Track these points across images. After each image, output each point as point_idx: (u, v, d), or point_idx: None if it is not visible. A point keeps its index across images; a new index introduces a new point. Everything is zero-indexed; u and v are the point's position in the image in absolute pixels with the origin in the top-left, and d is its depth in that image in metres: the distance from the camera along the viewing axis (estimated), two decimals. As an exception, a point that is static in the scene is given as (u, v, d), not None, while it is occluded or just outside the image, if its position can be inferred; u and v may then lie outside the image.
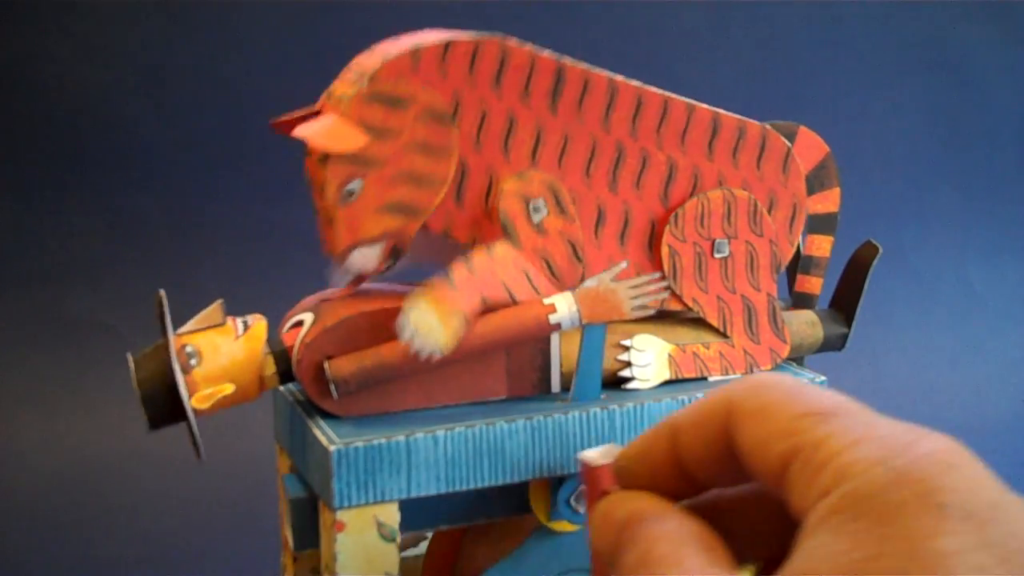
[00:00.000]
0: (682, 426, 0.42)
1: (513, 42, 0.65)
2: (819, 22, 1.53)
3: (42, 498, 1.19)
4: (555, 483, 0.67)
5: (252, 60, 1.36)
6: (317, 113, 0.63)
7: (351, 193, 0.61)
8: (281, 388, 0.71)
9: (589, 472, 0.46)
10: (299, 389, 0.70)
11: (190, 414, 0.62)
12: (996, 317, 1.54)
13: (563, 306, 0.64)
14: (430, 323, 0.61)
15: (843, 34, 1.54)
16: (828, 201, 0.77)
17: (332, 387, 0.62)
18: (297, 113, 0.64)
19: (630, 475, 0.44)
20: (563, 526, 0.69)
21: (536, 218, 0.66)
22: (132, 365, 0.62)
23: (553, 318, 0.64)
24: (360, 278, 0.66)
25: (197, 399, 0.62)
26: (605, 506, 0.44)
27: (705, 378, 0.71)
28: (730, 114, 0.71)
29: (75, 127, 1.35)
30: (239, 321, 0.65)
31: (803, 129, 0.75)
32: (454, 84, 0.64)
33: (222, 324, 0.64)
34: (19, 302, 1.33)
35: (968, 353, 1.49)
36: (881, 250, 0.75)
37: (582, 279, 0.67)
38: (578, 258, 0.67)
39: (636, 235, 0.70)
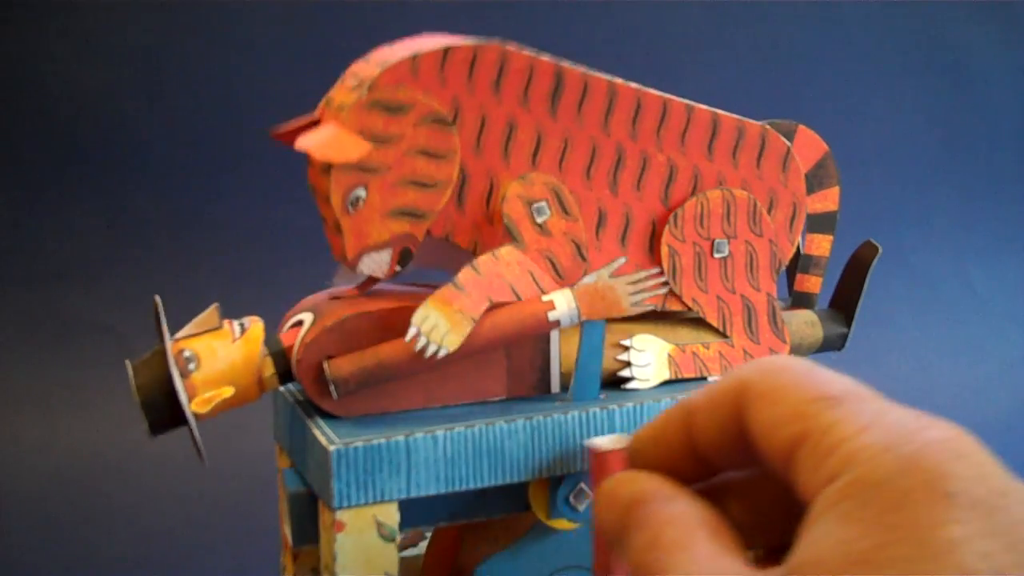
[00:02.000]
0: (696, 408, 0.42)
1: (512, 47, 0.65)
2: (819, 22, 1.53)
3: (42, 498, 1.19)
4: (554, 481, 0.67)
5: (252, 60, 1.36)
6: (316, 122, 0.63)
7: (357, 200, 0.61)
8: (281, 388, 0.71)
9: (597, 459, 0.46)
10: (299, 389, 0.70)
11: (190, 419, 0.62)
12: (996, 317, 1.54)
13: (562, 303, 0.64)
14: (437, 324, 0.61)
15: (843, 34, 1.54)
16: (827, 200, 0.77)
17: (332, 387, 0.62)
18: (295, 123, 0.64)
19: (644, 458, 0.44)
20: (562, 524, 0.69)
21: (539, 219, 0.66)
22: (131, 372, 0.62)
23: (552, 315, 0.64)
24: (372, 280, 0.66)
25: (197, 403, 0.62)
26: (611, 484, 0.43)
27: (705, 378, 0.71)
28: (729, 114, 0.71)
29: (75, 127, 1.35)
30: (236, 324, 0.65)
31: (802, 128, 0.75)
32: (453, 90, 0.64)
33: (219, 327, 0.64)
34: (19, 302, 1.33)
35: (968, 353, 1.49)
36: (881, 250, 0.75)
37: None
38: (583, 257, 0.67)
39: (637, 236, 0.70)
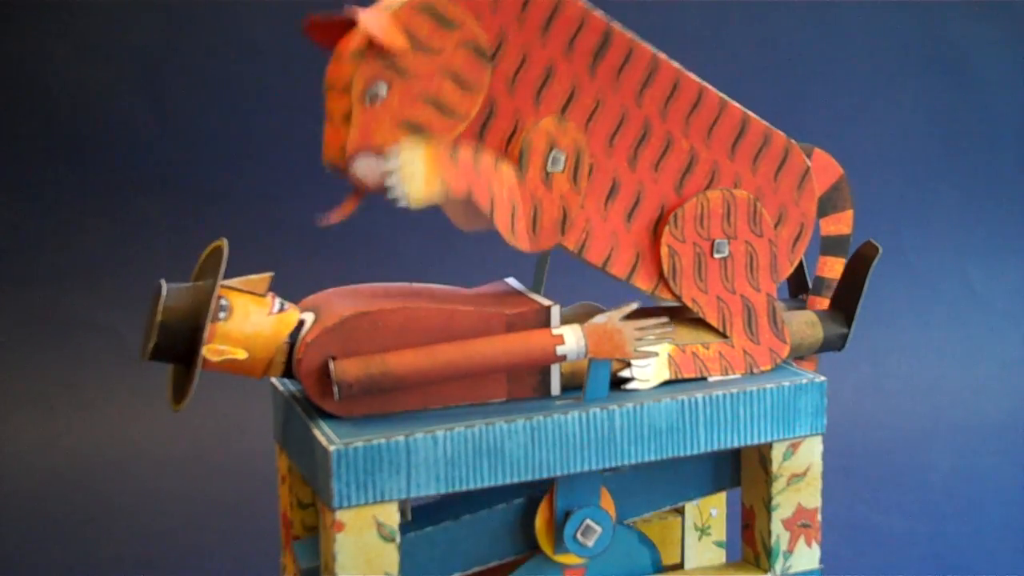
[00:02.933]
0: None
1: None
2: (819, 22, 1.53)
3: (42, 498, 1.19)
4: (562, 517, 0.68)
5: (252, 60, 1.36)
6: (353, 24, 0.62)
7: (376, 96, 0.61)
8: (280, 388, 0.71)
9: None
10: (299, 388, 0.70)
11: (199, 360, 0.61)
12: (996, 317, 1.53)
13: (571, 339, 0.65)
14: (416, 171, 0.61)
15: (843, 34, 1.53)
16: (841, 223, 0.77)
17: (336, 389, 0.62)
18: (331, 17, 0.63)
19: None
20: (569, 559, 0.70)
21: (551, 168, 0.66)
22: (164, 290, 0.62)
23: (560, 349, 0.65)
24: (356, 194, 0.64)
25: (209, 350, 0.62)
26: None
27: (705, 378, 0.71)
28: (759, 119, 0.71)
29: (75, 127, 1.35)
30: (278, 300, 0.65)
31: (818, 151, 0.75)
32: (502, 20, 0.63)
33: (263, 295, 0.65)
34: (19, 302, 1.33)
35: (968, 353, 1.49)
36: (881, 250, 0.75)
37: (586, 236, 0.67)
38: (562, 228, 0.67)
39: (643, 216, 0.70)
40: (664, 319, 0.68)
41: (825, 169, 0.75)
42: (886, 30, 1.55)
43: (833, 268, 0.77)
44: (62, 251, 1.34)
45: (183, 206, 1.35)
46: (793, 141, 0.72)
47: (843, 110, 1.52)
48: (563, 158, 0.66)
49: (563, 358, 0.65)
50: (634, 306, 0.68)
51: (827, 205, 0.76)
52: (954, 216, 1.57)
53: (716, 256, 0.71)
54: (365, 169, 0.62)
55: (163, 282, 0.62)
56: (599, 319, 0.66)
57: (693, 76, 0.69)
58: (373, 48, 0.60)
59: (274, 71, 1.35)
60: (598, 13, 0.66)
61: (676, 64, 0.68)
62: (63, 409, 1.28)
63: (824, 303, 0.77)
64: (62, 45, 1.34)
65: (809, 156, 0.74)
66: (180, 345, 0.62)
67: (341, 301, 0.66)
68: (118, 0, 1.34)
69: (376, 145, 0.61)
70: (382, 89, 0.61)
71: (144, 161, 1.35)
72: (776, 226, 0.72)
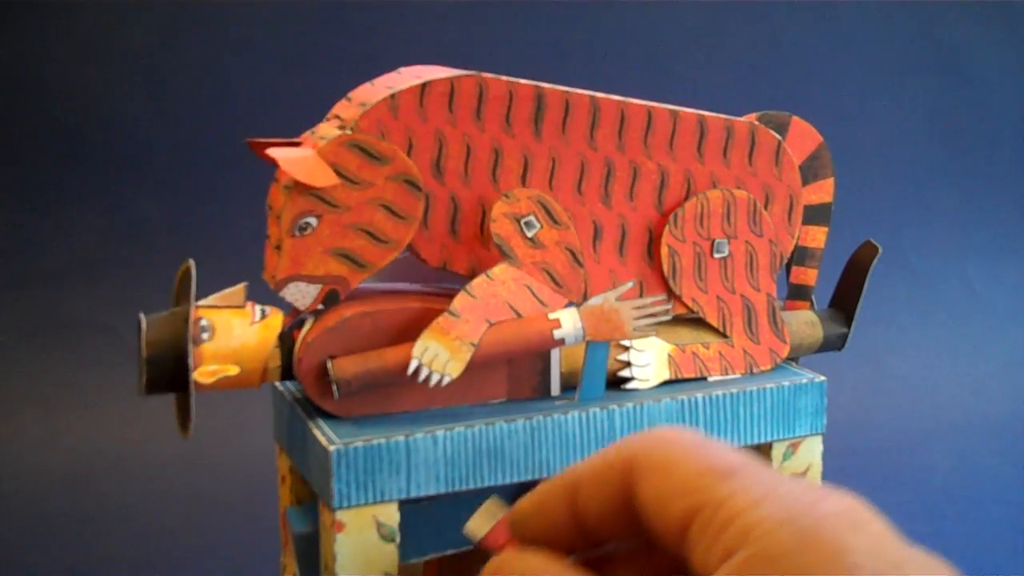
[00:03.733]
0: (580, 479, 0.41)
1: (489, 75, 0.65)
2: (819, 21, 1.53)
3: (42, 497, 1.19)
4: None
5: (252, 60, 1.36)
6: (298, 144, 0.63)
7: (306, 227, 0.61)
8: (280, 387, 0.71)
9: (483, 541, 0.45)
10: (299, 388, 0.70)
11: (191, 386, 0.62)
12: (996, 317, 1.54)
13: (568, 322, 0.65)
14: (437, 354, 0.62)
15: (843, 34, 1.54)
16: (822, 191, 0.77)
17: (334, 387, 0.62)
18: (276, 140, 0.64)
19: (525, 530, 0.43)
20: None
21: (530, 233, 0.66)
22: (144, 325, 0.62)
23: (557, 333, 0.65)
24: (295, 311, 0.65)
25: (200, 373, 0.62)
26: (497, 563, 0.42)
27: (704, 378, 0.72)
28: (716, 115, 0.71)
29: (75, 127, 1.35)
30: (258, 308, 0.65)
31: (796, 119, 0.75)
32: (435, 123, 0.64)
33: (241, 307, 0.65)
34: (19, 302, 1.33)
35: (968, 353, 1.49)
36: (881, 250, 0.75)
37: (585, 284, 0.68)
38: (579, 263, 0.68)
39: (634, 246, 0.70)
40: (661, 296, 0.69)
41: (804, 137, 0.75)
42: (886, 30, 1.55)
43: (816, 237, 0.77)
44: (62, 251, 1.34)
45: (183, 206, 1.35)
46: (757, 122, 0.72)
47: (843, 110, 1.52)
48: (533, 217, 0.66)
49: (561, 342, 0.65)
50: (629, 285, 0.68)
51: (807, 173, 0.76)
52: (954, 216, 1.57)
53: (716, 256, 0.71)
54: (296, 294, 0.63)
55: (142, 316, 0.63)
56: (595, 301, 0.66)
57: (637, 101, 0.69)
58: (301, 184, 0.60)
59: (274, 71, 1.35)
60: (523, 81, 0.66)
61: (616, 97, 0.68)
62: (63, 409, 1.29)
63: (807, 273, 0.77)
64: (62, 45, 1.34)
65: (787, 125, 0.74)
66: (171, 375, 0.62)
67: (341, 301, 0.66)
68: (118, 0, 1.35)
69: (305, 275, 0.62)
70: (313, 221, 0.61)
71: (144, 161, 1.35)
72: (767, 207, 0.72)
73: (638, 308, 0.67)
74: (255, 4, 1.36)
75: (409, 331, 0.64)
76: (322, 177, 0.61)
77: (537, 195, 0.67)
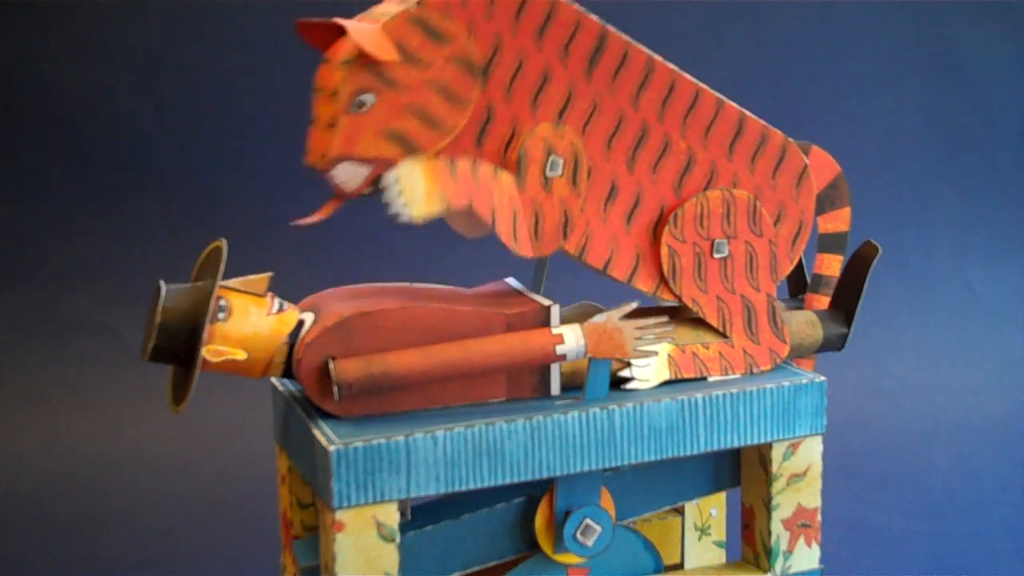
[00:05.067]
0: None
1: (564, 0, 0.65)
2: (819, 22, 1.53)
3: (42, 498, 1.19)
4: (561, 517, 0.68)
5: (252, 60, 1.36)
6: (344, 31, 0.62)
7: (362, 104, 0.61)
8: (280, 388, 0.71)
9: None
10: (299, 388, 0.70)
11: (198, 361, 0.61)
12: (996, 317, 1.53)
13: (571, 338, 0.65)
14: (416, 187, 0.61)
15: (843, 34, 1.53)
16: (839, 220, 0.77)
17: (336, 389, 0.62)
18: (325, 20, 0.62)
19: None
20: (568, 558, 0.70)
21: (550, 173, 0.66)
22: (163, 291, 0.62)
23: (560, 349, 0.65)
24: (336, 198, 0.64)
25: (209, 351, 0.62)
26: None
27: (704, 378, 0.71)
28: (756, 118, 0.71)
29: (75, 127, 1.35)
30: (277, 300, 0.65)
31: (815, 148, 0.75)
32: (497, 27, 0.63)
33: (262, 295, 0.65)
34: (19, 302, 1.33)
35: (968, 353, 1.49)
36: (881, 250, 0.75)
37: (586, 240, 0.67)
38: (564, 232, 0.67)
39: (643, 218, 0.70)
40: (663, 318, 0.69)
41: (823, 166, 0.75)
42: (886, 30, 1.55)
43: (831, 266, 0.77)
44: (62, 251, 1.34)
45: (183, 206, 1.35)
46: (791, 139, 0.72)
47: (843, 110, 1.52)
48: (561, 163, 0.66)
49: (563, 357, 0.65)
50: (633, 305, 0.68)
51: (825, 202, 0.76)
52: (954, 216, 1.57)
53: (716, 256, 0.71)
54: (345, 175, 0.62)
55: (162, 283, 0.62)
56: (598, 319, 0.66)
57: (689, 77, 0.69)
58: (363, 58, 0.59)
59: (274, 71, 1.35)
60: (593, 17, 0.66)
61: (672, 66, 0.68)
62: (63, 409, 1.28)
63: (822, 301, 0.77)
64: (62, 45, 1.34)
65: (807, 154, 0.74)
66: (179, 346, 0.62)
67: (341, 301, 0.66)
68: (118, 0, 1.34)
69: (359, 154, 0.61)
70: (369, 99, 0.61)
71: (144, 161, 1.35)
72: (775, 224, 0.72)
73: (640, 328, 0.67)
74: (255, 4, 1.36)
75: (408, 331, 0.64)
76: (387, 51, 0.60)
77: (578, 146, 0.66)
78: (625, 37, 0.66)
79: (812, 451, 0.72)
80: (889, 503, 1.18)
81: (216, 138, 1.35)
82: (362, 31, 0.59)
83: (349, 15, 0.62)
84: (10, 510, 1.16)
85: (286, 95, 1.34)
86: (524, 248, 0.65)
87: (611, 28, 0.66)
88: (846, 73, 1.54)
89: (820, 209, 0.75)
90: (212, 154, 1.35)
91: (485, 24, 0.63)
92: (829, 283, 0.77)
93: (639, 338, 0.66)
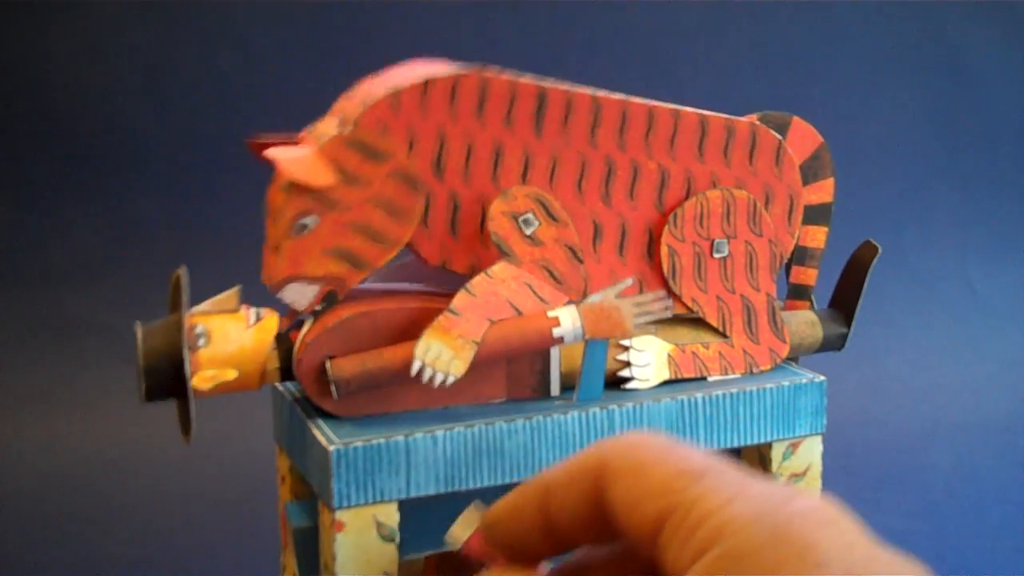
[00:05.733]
0: (553, 484, 0.41)
1: (492, 72, 0.65)
2: (819, 22, 1.53)
3: (42, 497, 1.19)
4: None
5: (252, 60, 1.36)
6: (296, 143, 0.63)
7: (304, 227, 0.61)
8: (280, 388, 0.71)
9: (462, 549, 0.45)
10: (298, 388, 0.70)
11: (190, 392, 0.62)
12: (996, 317, 1.54)
13: (567, 320, 0.65)
14: (440, 354, 0.62)
15: (843, 34, 1.54)
16: (822, 191, 0.77)
17: (333, 387, 0.62)
18: (275, 137, 0.64)
19: (498, 535, 0.44)
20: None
21: (528, 231, 0.66)
22: (139, 335, 0.62)
23: (557, 331, 0.65)
24: (292, 312, 0.65)
25: (199, 379, 0.62)
26: None
27: (704, 378, 0.72)
28: (718, 115, 0.71)
29: (75, 127, 1.35)
30: (252, 311, 0.65)
31: (796, 120, 0.75)
32: (436, 120, 0.64)
33: (235, 311, 0.65)
34: (19, 302, 1.33)
35: (968, 353, 1.49)
36: (881, 250, 0.75)
37: (585, 282, 0.68)
38: (578, 259, 0.67)
39: (635, 245, 0.70)
40: (661, 292, 0.69)
41: (804, 138, 0.75)
42: (886, 30, 1.55)
43: (816, 237, 0.77)
44: (62, 251, 1.34)
45: (183, 206, 1.35)
46: (758, 122, 0.72)
47: (843, 110, 1.52)
48: (531, 215, 0.66)
49: (560, 340, 0.65)
50: (629, 282, 0.68)
51: (808, 174, 0.76)
52: (954, 216, 1.57)
53: (716, 256, 0.71)
54: (294, 295, 0.63)
55: (138, 325, 0.62)
56: (594, 298, 0.66)
57: (639, 100, 0.69)
58: (300, 183, 0.60)
59: (274, 71, 1.35)
60: (526, 79, 0.66)
61: (619, 96, 0.68)
62: (63, 409, 1.29)
63: (807, 272, 0.77)
64: (62, 45, 1.34)
65: (788, 126, 0.74)
66: (170, 382, 0.62)
67: (340, 301, 0.66)
68: (118, 0, 1.35)
69: (304, 275, 0.62)
70: (311, 221, 0.61)
71: (144, 161, 1.35)
72: (767, 207, 0.72)
73: (638, 305, 0.66)
74: (255, 4, 1.36)
75: (408, 331, 0.64)
76: (321, 176, 0.60)
77: (535, 192, 0.66)
78: (563, 86, 0.67)
79: (812, 451, 0.72)
80: (889, 503, 1.18)
81: (215, 138, 1.35)
82: (295, 162, 0.60)
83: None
84: (10, 510, 1.16)
85: (286, 95, 1.35)
86: (559, 301, 0.66)
87: (547, 83, 0.66)
88: (846, 73, 1.54)
89: (803, 180, 0.75)
90: (211, 154, 1.35)
91: (423, 123, 0.63)
92: (814, 254, 0.77)
93: (638, 315, 0.66)
